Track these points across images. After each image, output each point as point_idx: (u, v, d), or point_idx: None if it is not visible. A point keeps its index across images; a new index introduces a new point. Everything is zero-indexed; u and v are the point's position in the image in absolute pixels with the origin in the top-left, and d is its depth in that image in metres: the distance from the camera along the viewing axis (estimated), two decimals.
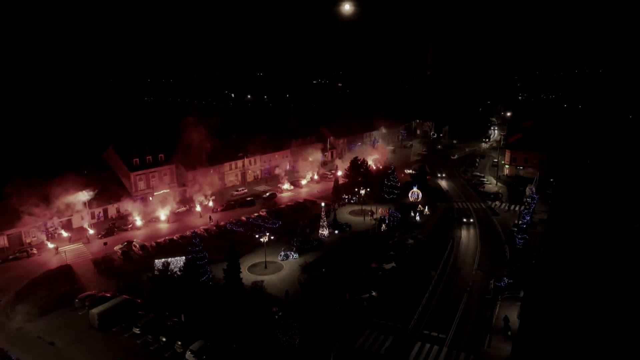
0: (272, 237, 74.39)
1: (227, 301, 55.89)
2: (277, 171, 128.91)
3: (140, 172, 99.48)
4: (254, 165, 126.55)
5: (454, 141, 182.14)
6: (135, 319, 55.48)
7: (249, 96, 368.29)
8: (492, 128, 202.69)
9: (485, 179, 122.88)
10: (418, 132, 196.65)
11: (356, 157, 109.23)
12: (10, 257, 75.02)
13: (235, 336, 51.53)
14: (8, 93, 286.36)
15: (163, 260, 67.73)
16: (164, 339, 51.78)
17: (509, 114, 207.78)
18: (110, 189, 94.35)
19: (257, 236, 75.87)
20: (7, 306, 60.24)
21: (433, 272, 68.10)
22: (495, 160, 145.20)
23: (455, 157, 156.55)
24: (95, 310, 54.99)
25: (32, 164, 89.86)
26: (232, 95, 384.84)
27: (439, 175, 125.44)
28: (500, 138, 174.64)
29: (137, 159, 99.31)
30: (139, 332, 53.74)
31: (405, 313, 57.70)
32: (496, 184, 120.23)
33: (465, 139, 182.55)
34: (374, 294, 61.58)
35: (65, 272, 69.31)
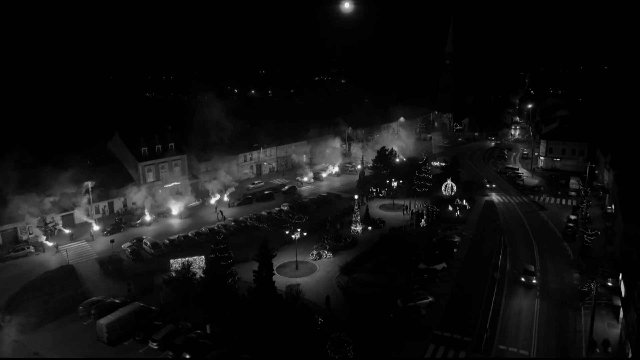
0: (304, 234, 65.15)
1: (261, 310, 46.68)
2: (294, 160, 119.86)
3: (149, 162, 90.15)
4: (270, 157, 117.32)
5: (476, 133, 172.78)
6: (152, 330, 46.34)
7: (252, 91, 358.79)
8: (513, 125, 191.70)
9: (520, 172, 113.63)
10: (436, 124, 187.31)
11: (383, 147, 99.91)
12: (5, 256, 65.79)
13: (276, 353, 42.44)
14: (11, 83, 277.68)
15: (180, 259, 58.80)
16: (187, 356, 42.72)
17: (529, 105, 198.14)
18: (116, 180, 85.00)
19: (287, 232, 66.74)
20: (0, 314, 51.15)
21: (496, 274, 59.00)
22: (525, 152, 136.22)
23: (500, 142, 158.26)
24: (103, 321, 45.82)
25: (30, 152, 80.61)
26: (235, 90, 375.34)
27: (487, 185, 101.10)
28: (530, 127, 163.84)
29: (146, 148, 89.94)
30: (156, 346, 44.63)
31: (474, 323, 48.61)
32: (531, 177, 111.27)
33: (487, 131, 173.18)
34: (430, 299, 52.46)
35: (66, 273, 60.21)
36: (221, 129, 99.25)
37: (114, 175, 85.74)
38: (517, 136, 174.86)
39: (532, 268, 59.65)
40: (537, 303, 52.64)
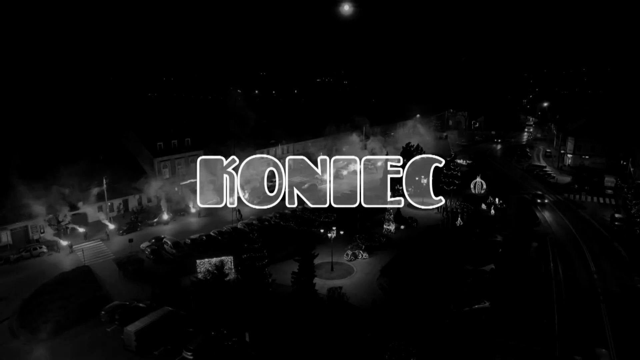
0: (341, 232, 60.49)
1: (306, 315, 42.07)
2: (313, 157, 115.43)
3: (164, 157, 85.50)
4: (287, 154, 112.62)
5: (492, 132, 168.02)
6: (185, 339, 41.63)
7: (256, 91, 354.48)
8: (527, 126, 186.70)
9: (549, 170, 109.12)
10: (450, 122, 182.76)
11: (409, 143, 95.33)
12: (15, 256, 61.06)
13: None
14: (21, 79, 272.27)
15: (206, 260, 54.30)
16: None
17: (545, 104, 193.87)
18: (130, 177, 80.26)
19: (322, 231, 62.08)
20: (12, 320, 46.34)
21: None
22: (549, 150, 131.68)
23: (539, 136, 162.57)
24: (131, 328, 41.05)
25: (41, 148, 76.26)
26: (239, 90, 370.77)
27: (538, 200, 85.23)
28: (552, 125, 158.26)
29: (161, 143, 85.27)
30: (191, 357, 39.85)
31: (541, 330, 43.89)
32: (560, 174, 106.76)
33: (504, 129, 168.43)
34: (486, 304, 47.80)
35: (84, 275, 55.35)
36: (237, 125, 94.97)
37: (128, 172, 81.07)
38: (536, 134, 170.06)
39: (604, 351, 41.24)
40: (604, 308, 48.03)
